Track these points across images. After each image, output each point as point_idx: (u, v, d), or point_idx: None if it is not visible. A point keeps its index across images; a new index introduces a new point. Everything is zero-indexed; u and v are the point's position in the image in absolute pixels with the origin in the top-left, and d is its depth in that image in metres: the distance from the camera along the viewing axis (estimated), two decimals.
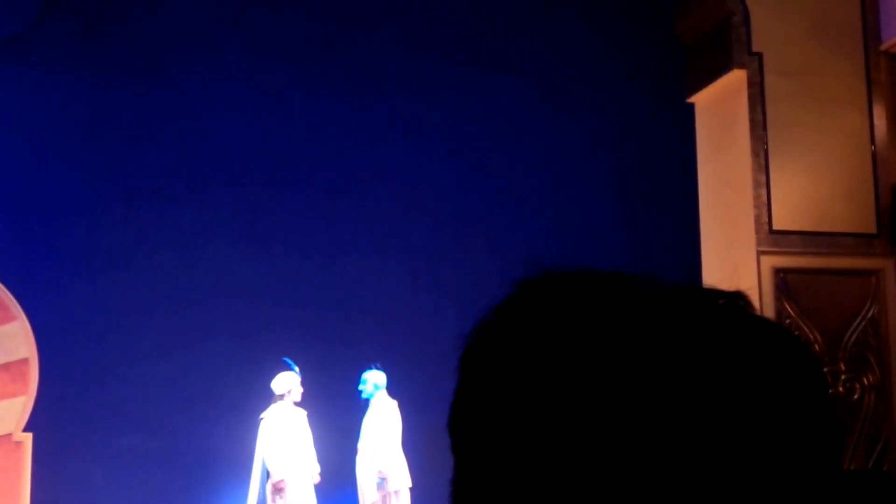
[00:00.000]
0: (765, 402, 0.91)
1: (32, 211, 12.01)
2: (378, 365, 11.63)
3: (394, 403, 11.59)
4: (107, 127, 12.22)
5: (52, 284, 11.96)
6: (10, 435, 11.64)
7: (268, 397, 11.62)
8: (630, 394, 0.89)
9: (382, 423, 11.46)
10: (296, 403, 11.68)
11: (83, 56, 12.20)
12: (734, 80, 10.33)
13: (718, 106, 10.69)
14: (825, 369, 8.31)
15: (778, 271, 9.96)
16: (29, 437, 11.66)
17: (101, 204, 12.14)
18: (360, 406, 11.73)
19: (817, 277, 9.99)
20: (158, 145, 12.34)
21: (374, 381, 11.64)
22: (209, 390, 11.94)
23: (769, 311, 9.63)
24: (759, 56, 10.22)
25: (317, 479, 11.65)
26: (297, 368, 11.60)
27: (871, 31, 10.41)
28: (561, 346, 0.92)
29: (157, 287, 12.15)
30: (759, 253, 9.96)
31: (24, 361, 11.70)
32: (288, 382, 11.60)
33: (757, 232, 9.97)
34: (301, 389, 11.62)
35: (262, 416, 11.59)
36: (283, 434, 11.43)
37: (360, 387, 11.66)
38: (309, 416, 11.62)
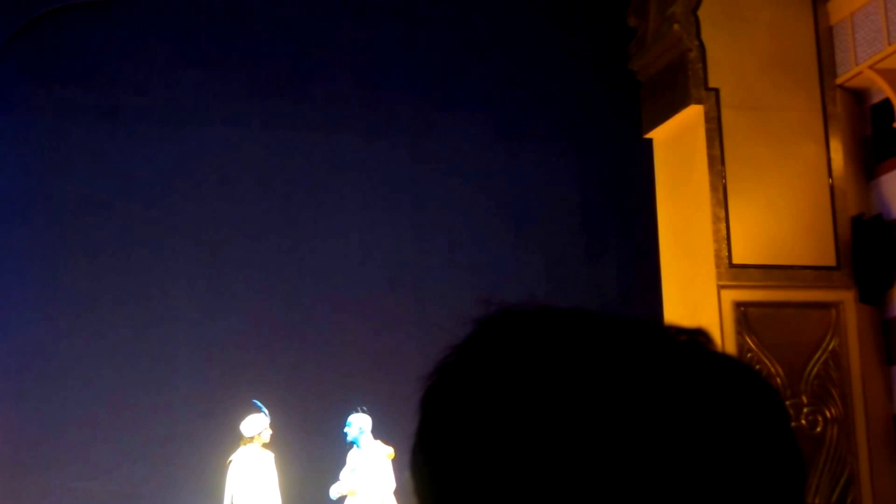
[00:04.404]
0: (726, 438, 0.90)
1: None
2: (364, 408, 11.52)
3: (379, 445, 11.47)
4: (63, 171, 12.16)
5: (10, 325, 11.86)
6: None
7: (236, 440, 11.52)
8: (592, 433, 0.87)
9: (370, 466, 11.36)
10: (264, 446, 11.60)
11: (38, 100, 12.14)
12: (691, 116, 10.40)
13: (676, 141, 10.75)
14: (787, 403, 8.32)
15: (738, 305, 10.00)
16: None
17: (59, 246, 12.07)
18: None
19: (778, 311, 10.04)
20: (115, 189, 12.27)
21: (359, 424, 11.54)
22: (172, 433, 11.84)
23: (730, 345, 9.66)
24: (716, 91, 10.30)
25: None
26: (266, 411, 11.51)
27: (826, 65, 10.51)
28: (521, 385, 0.90)
29: (118, 328, 12.05)
30: (720, 287, 10.00)
31: None
32: (257, 425, 11.52)
33: (717, 266, 10.01)
34: (270, 432, 11.54)
35: (230, 458, 11.50)
36: (251, 477, 11.35)
37: (346, 429, 11.54)
38: (276, 459, 11.54)
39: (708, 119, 10.25)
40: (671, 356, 0.93)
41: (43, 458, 11.72)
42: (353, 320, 12.45)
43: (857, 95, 10.58)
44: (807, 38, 10.54)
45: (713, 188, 10.12)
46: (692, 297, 10.35)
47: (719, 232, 10.05)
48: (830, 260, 10.22)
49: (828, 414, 9.98)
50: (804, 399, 9.92)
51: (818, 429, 9.91)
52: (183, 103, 12.46)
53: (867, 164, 10.47)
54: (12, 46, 12.07)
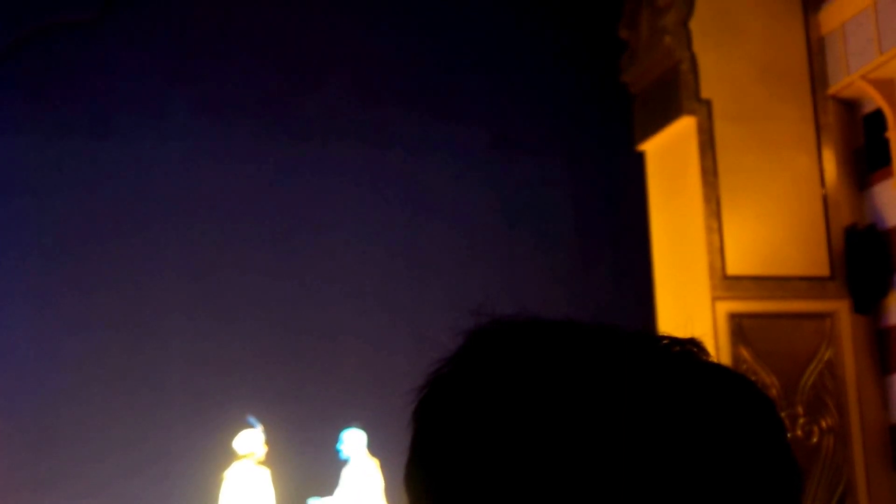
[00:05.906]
0: (721, 449, 0.89)
1: None
2: (358, 424, 11.52)
3: (374, 462, 11.47)
4: (54, 189, 12.15)
5: (2, 342, 11.84)
6: None
7: (231, 456, 11.50)
8: (585, 444, 0.87)
9: (362, 482, 11.34)
10: (258, 462, 11.58)
11: (29, 118, 12.14)
12: (684, 127, 10.41)
13: (669, 153, 10.76)
14: (783, 413, 8.31)
15: (733, 316, 10.00)
16: None
17: (51, 264, 12.06)
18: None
19: (772, 321, 10.04)
20: (108, 205, 12.26)
21: (352, 440, 11.53)
22: (166, 449, 11.81)
23: (725, 357, 9.66)
24: (708, 103, 10.31)
25: None
26: (260, 427, 11.49)
27: (818, 75, 10.53)
28: (514, 396, 0.90)
29: (111, 343, 12.02)
30: (714, 298, 10.01)
31: None
32: (252, 441, 11.50)
33: (711, 277, 10.01)
34: (265, 448, 11.52)
35: (223, 474, 11.49)
36: (245, 493, 11.33)
37: (339, 446, 11.53)
38: (272, 476, 11.52)
39: (700, 130, 10.26)
40: (665, 367, 0.92)
41: (36, 477, 11.69)
42: (348, 335, 12.43)
43: (849, 105, 10.59)
44: (798, 48, 10.56)
45: (706, 199, 10.13)
46: (686, 308, 10.35)
47: (713, 243, 10.06)
48: (824, 270, 10.23)
49: (823, 424, 9.97)
50: (800, 410, 9.91)
51: (814, 439, 9.90)
52: (175, 118, 12.45)
53: (860, 173, 10.48)
54: (2, 64, 12.06)
